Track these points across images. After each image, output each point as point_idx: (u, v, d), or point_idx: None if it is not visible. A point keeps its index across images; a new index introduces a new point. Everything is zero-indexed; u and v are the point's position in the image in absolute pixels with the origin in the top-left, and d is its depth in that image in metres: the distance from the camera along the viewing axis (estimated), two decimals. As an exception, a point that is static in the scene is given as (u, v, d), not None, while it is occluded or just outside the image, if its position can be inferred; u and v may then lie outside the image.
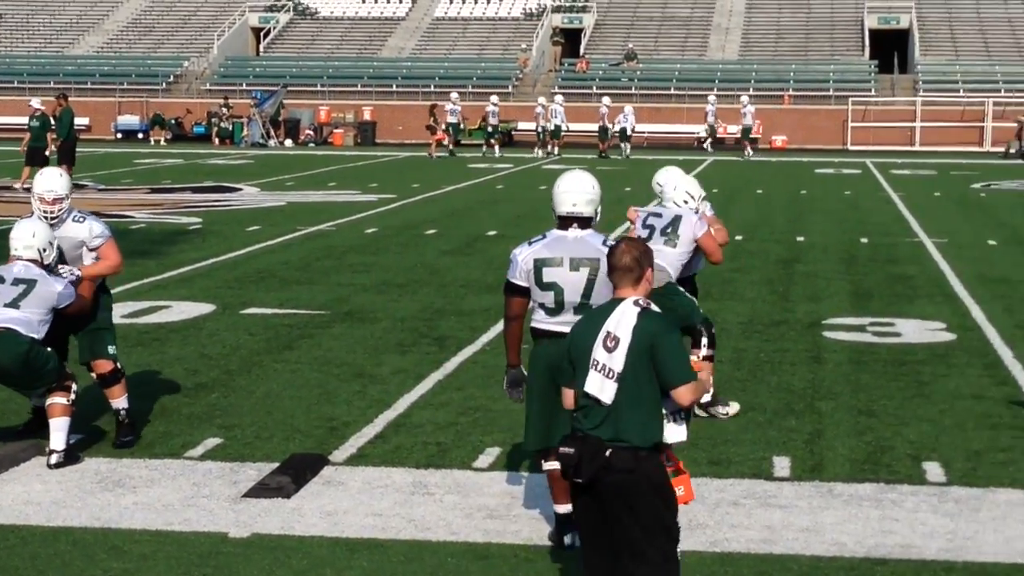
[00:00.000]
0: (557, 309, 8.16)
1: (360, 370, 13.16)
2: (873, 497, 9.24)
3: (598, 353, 6.45)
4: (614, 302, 6.61)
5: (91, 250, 10.57)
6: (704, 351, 11.44)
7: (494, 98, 54.29)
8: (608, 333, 6.45)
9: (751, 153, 51.23)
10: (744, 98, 53.70)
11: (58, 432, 9.92)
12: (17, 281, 10.06)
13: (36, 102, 35.54)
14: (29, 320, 9.92)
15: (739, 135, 53.30)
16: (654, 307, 6.56)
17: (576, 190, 8.27)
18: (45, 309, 10.02)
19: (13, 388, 10.27)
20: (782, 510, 8.95)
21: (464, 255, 21.87)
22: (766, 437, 10.74)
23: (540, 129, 52.64)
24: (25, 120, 36.84)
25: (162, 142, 58.93)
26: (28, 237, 10.21)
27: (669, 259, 11.41)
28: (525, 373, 8.41)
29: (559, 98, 53.66)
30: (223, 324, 15.57)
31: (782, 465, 9.96)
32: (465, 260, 21.24)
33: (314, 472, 9.71)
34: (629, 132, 52.22)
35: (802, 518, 8.80)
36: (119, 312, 16.08)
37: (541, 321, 8.25)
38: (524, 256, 8.27)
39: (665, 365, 6.39)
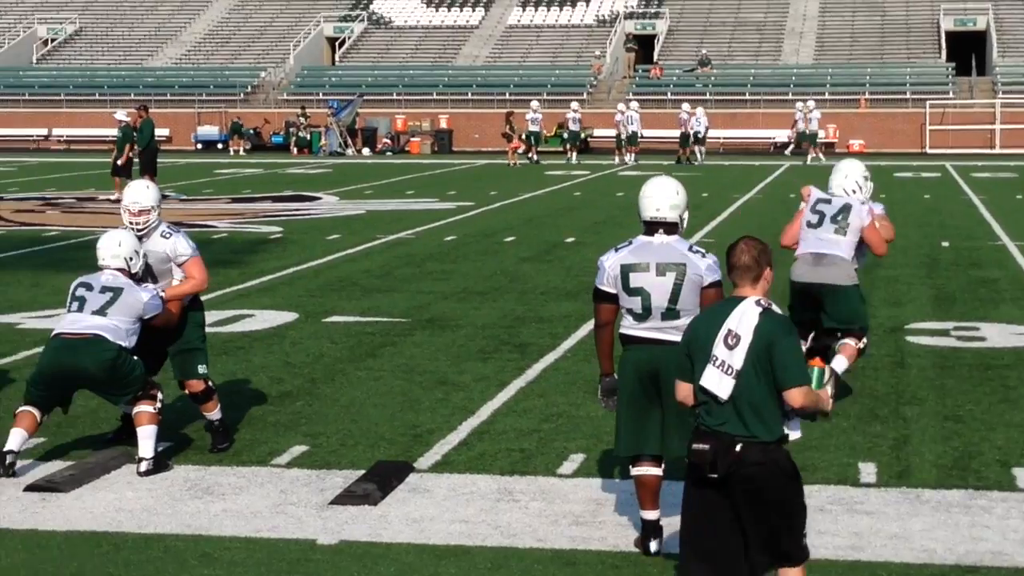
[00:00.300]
0: (645, 315, 8.18)
1: (443, 377, 13.22)
2: (962, 503, 9.18)
3: (718, 349, 6.59)
4: (734, 300, 6.72)
5: (178, 266, 10.68)
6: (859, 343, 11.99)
7: (574, 104, 54.20)
8: (729, 330, 6.58)
9: (820, 158, 50.80)
10: (810, 103, 53.32)
11: (146, 440, 10.03)
12: (104, 289, 10.19)
13: (121, 114, 35.93)
14: (116, 328, 10.04)
15: (802, 139, 52.91)
16: (775, 307, 6.67)
17: (660, 195, 8.30)
18: (132, 318, 10.13)
19: (100, 395, 10.39)
20: (869, 516, 8.92)
21: (543, 262, 21.90)
22: (851, 443, 10.69)
23: (623, 136, 52.19)
24: (108, 132, 37.40)
25: (241, 152, 59.36)
26: (114, 246, 10.34)
27: (842, 247, 11.64)
28: (618, 380, 8.42)
29: (634, 104, 53.53)
30: (306, 332, 15.68)
31: (868, 471, 9.92)
32: (544, 267, 21.28)
33: (400, 479, 9.77)
34: (702, 135, 52.05)
35: (890, 525, 8.76)
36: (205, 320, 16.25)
37: (629, 327, 8.27)
38: (611, 262, 8.30)
39: (781, 366, 6.52)
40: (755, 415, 6.54)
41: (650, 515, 8.27)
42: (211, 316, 16.37)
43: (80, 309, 10.16)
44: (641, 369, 8.14)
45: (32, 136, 64.72)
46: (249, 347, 14.80)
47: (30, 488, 9.55)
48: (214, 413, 10.75)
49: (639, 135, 52.26)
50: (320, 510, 9.12)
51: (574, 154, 52.43)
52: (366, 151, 59.39)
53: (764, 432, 6.54)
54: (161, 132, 60.44)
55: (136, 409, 10.13)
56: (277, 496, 9.44)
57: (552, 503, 9.27)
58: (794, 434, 6.67)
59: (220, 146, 61.81)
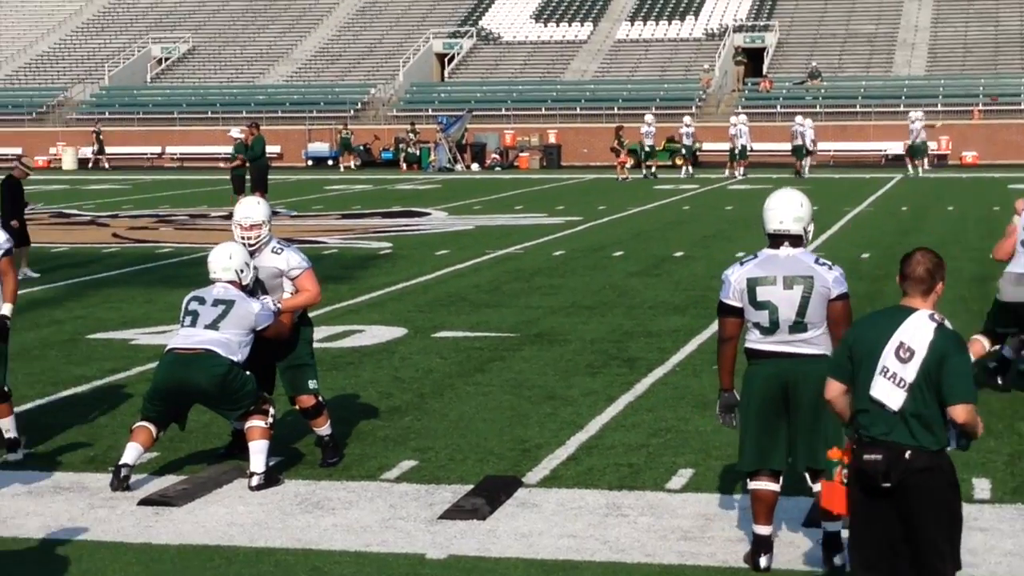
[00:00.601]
0: (772, 328, 8.13)
1: (551, 392, 13.23)
2: (1077, 519, 9.05)
3: (888, 360, 6.60)
4: (903, 311, 6.73)
5: (290, 280, 10.76)
6: None
7: (687, 119, 53.93)
8: (902, 343, 6.60)
9: (922, 169, 50.11)
10: (912, 114, 52.55)
11: (257, 455, 10.12)
12: (217, 302, 10.31)
13: (235, 131, 36.34)
14: (228, 342, 10.15)
15: (907, 152, 52.04)
16: (947, 323, 6.68)
17: (783, 208, 8.25)
18: (244, 330, 10.24)
19: (213, 410, 10.51)
20: (984, 533, 8.80)
21: (652, 276, 21.85)
22: (965, 458, 10.54)
23: (737, 149, 51.58)
24: (221, 149, 37.99)
25: (352, 167, 59.79)
26: (225, 259, 10.46)
27: None
28: (738, 397, 8.38)
29: (742, 117, 53.14)
30: (415, 348, 15.75)
31: (982, 487, 9.80)
32: (653, 281, 21.23)
33: (508, 494, 9.79)
34: (809, 147, 51.51)
35: (1005, 541, 8.65)
36: (315, 336, 16.38)
37: (756, 341, 8.22)
38: (736, 276, 8.25)
39: (949, 382, 6.53)
40: (923, 426, 6.57)
41: (763, 530, 8.23)
42: (321, 332, 16.54)
43: (193, 324, 10.28)
44: (770, 383, 8.10)
45: (146, 154, 65.64)
46: (359, 362, 14.90)
47: (144, 502, 9.67)
48: (324, 428, 10.83)
49: (748, 148, 51.84)
50: (429, 525, 9.15)
51: (688, 167, 52.14)
52: (475, 166, 59.60)
53: (931, 442, 6.57)
54: (272, 149, 61.03)
55: (248, 424, 10.22)
56: (386, 511, 9.48)
57: (661, 518, 9.24)
58: (952, 446, 6.71)
59: (330, 162, 62.29)
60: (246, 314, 10.24)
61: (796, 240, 8.23)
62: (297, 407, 10.91)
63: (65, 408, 12.72)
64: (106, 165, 63.08)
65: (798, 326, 8.08)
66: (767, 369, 8.13)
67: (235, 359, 10.11)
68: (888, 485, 6.57)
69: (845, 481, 6.80)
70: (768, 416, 8.14)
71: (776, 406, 8.14)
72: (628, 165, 50.53)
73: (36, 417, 12.11)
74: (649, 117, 53.38)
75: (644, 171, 51.11)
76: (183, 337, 10.26)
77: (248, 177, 34.77)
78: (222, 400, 10.15)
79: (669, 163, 55.50)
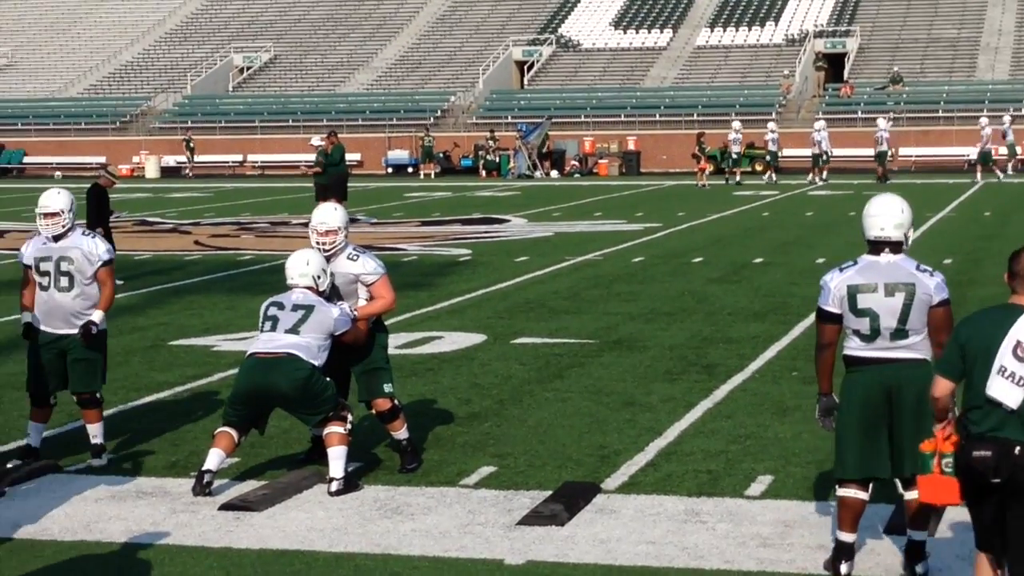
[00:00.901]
0: (873, 336, 8.07)
1: (630, 398, 13.21)
2: None
3: (1005, 359, 6.62)
4: (1016, 309, 6.75)
5: (365, 286, 10.81)
6: None
7: (772, 125, 53.48)
8: (1019, 342, 6.62)
9: (1001, 175, 49.58)
10: (983, 120, 51.89)
11: (336, 460, 10.18)
12: (296, 307, 10.38)
13: (316, 139, 36.54)
14: (309, 346, 10.22)
15: (976, 159, 51.29)
16: None
17: (885, 214, 8.18)
18: (323, 335, 10.30)
19: (292, 414, 10.57)
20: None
21: (731, 283, 21.78)
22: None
23: (823, 154, 51.10)
24: (301, 157, 38.26)
25: (432, 176, 59.97)
26: (302, 265, 10.53)
27: None
28: (836, 400, 8.32)
29: (821, 123, 52.67)
30: (494, 354, 15.78)
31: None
32: (732, 288, 21.15)
33: (587, 500, 9.78)
34: (828, 153, 50.90)
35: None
36: (394, 342, 16.46)
37: (856, 349, 8.15)
38: (836, 283, 8.18)
39: None
40: None
41: (847, 537, 8.18)
42: (401, 338, 16.63)
43: (273, 328, 10.35)
44: (872, 390, 8.04)
45: (228, 162, 66.17)
46: (438, 368, 14.94)
47: (225, 507, 9.75)
48: (401, 432, 10.87)
49: (828, 155, 51.36)
50: (507, 530, 9.16)
51: (772, 174, 51.78)
52: (554, 173, 59.62)
53: None
54: (352, 157, 61.45)
55: (327, 430, 10.28)
56: (465, 516, 9.51)
57: (740, 525, 9.21)
58: None
59: (410, 170, 62.52)
60: (325, 319, 10.30)
61: (896, 246, 8.17)
62: (373, 411, 10.94)
63: (147, 414, 12.84)
64: (189, 174, 63.65)
65: (899, 333, 8.01)
66: (869, 376, 8.06)
67: (316, 363, 10.17)
68: (998, 481, 6.59)
69: (948, 470, 6.79)
70: (870, 424, 8.07)
71: (878, 413, 8.07)
72: (708, 171, 50.32)
73: (119, 423, 12.22)
74: (737, 124, 53.07)
75: (727, 178, 50.84)
76: (264, 341, 10.34)
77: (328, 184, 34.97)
78: (303, 404, 10.21)
79: (749, 169, 55.25)
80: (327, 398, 10.24)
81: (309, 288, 10.47)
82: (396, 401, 10.93)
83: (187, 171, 64.00)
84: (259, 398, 10.23)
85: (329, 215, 10.82)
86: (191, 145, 64.09)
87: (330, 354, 10.38)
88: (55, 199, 11.06)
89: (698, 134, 52.35)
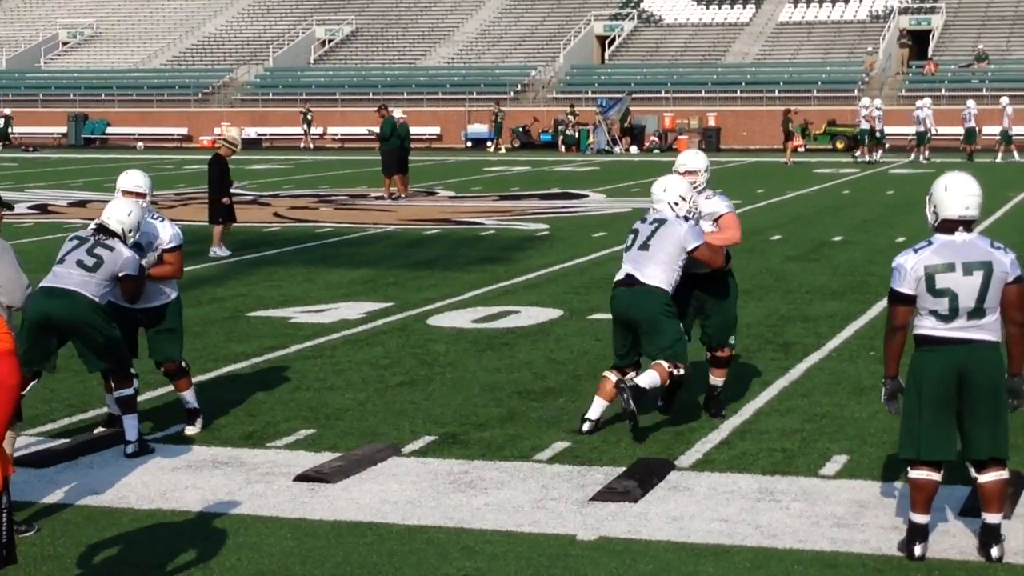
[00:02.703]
0: (951, 315, 8.01)
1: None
2: None
3: None
4: None
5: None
6: None
7: (877, 102, 51.98)
8: None
9: (1009, 156, 48.97)
10: (1004, 99, 51.20)
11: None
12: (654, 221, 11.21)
13: (397, 113, 36.72)
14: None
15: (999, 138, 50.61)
16: None
17: (968, 192, 8.10)
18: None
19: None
20: None
21: (809, 261, 21.65)
22: None
23: (927, 132, 50.37)
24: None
25: (503, 151, 59.88)
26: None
27: None
28: (902, 384, 8.26)
29: (926, 100, 51.60)
30: (570, 329, 15.77)
31: None
32: (811, 266, 21.03)
33: (660, 477, 9.77)
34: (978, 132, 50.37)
35: None
36: (471, 316, 16.52)
37: (931, 328, 8.08)
38: (913, 264, 8.10)
39: None
40: None
41: (920, 519, 8.12)
42: (477, 312, 16.71)
43: (643, 247, 10.34)
44: (946, 371, 7.98)
45: (311, 134, 66.38)
46: (514, 343, 14.95)
47: (299, 478, 9.81)
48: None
49: (932, 133, 50.42)
50: (580, 506, 9.17)
51: (878, 152, 50.23)
52: (634, 149, 59.46)
53: None
54: (431, 130, 61.63)
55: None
56: (538, 491, 9.52)
57: (814, 504, 9.16)
58: None
59: (489, 144, 62.55)
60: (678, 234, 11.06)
61: (968, 225, 8.11)
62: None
63: (225, 384, 12.93)
64: (311, 145, 63.82)
65: (977, 312, 7.97)
66: (942, 357, 8.00)
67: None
68: None
69: None
70: (942, 405, 8.01)
71: (950, 394, 8.01)
72: (801, 148, 49.57)
73: (197, 393, 12.31)
74: (876, 101, 51.38)
75: (866, 156, 49.66)
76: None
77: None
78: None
79: (829, 147, 54.80)
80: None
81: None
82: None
83: (305, 143, 64.13)
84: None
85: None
86: (309, 117, 64.17)
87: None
88: (140, 178, 11.13)
89: (785, 111, 51.85)
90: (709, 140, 59.97)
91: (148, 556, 8.28)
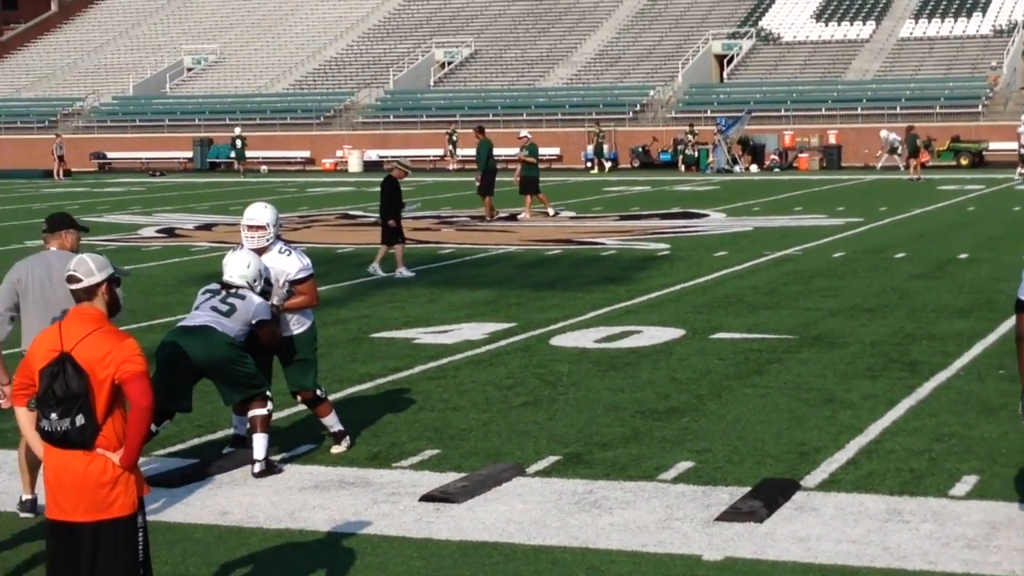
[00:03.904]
0: None
1: (830, 395, 13.07)
2: None
3: None
4: None
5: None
6: None
7: None
8: None
9: None
10: None
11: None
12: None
13: (524, 132, 36.88)
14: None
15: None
16: None
17: None
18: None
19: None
20: None
21: (934, 279, 21.41)
22: None
23: None
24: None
25: (605, 171, 59.78)
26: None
27: None
28: None
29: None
30: (693, 348, 15.72)
31: None
32: (936, 284, 20.79)
33: (786, 497, 9.71)
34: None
35: None
36: (593, 336, 16.52)
37: None
38: None
39: None
40: None
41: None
42: (599, 332, 16.71)
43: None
44: None
45: (429, 156, 66.79)
46: (636, 363, 14.93)
47: (425, 498, 9.87)
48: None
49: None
50: (706, 526, 9.13)
51: None
52: (753, 167, 59.17)
53: None
54: (551, 151, 61.70)
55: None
56: (663, 511, 9.50)
57: (944, 525, 9.06)
58: None
59: (609, 164, 62.52)
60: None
61: None
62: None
63: (350, 405, 13.03)
64: (452, 166, 64.21)
65: None
66: None
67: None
68: None
69: None
70: None
71: None
72: (927, 163, 48.93)
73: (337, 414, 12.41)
74: None
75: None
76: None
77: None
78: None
79: (953, 163, 54.15)
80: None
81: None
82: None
83: (452, 164, 64.49)
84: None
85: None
86: (455, 138, 64.44)
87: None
88: (262, 213, 11.25)
89: (908, 127, 51.31)
90: (830, 158, 59.53)
91: (277, 575, 8.37)
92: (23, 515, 9.72)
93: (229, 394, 10.77)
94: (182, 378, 10.56)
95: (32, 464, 9.64)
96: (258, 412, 10.72)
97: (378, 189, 24.26)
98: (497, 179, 35.81)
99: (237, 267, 10.87)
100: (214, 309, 10.71)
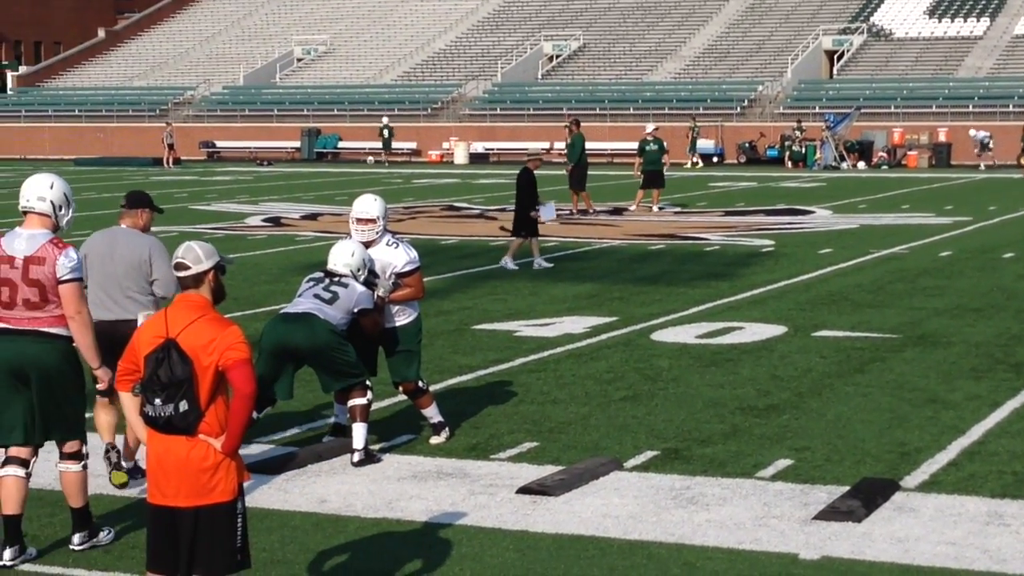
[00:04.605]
0: None
1: (933, 395, 12.95)
2: None
3: None
4: None
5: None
6: None
7: None
8: None
9: None
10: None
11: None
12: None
13: (651, 127, 36.87)
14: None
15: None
16: None
17: None
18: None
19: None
20: None
21: (1044, 280, 21.15)
22: None
23: None
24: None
25: (698, 165, 59.34)
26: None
27: None
28: None
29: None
30: (795, 346, 15.64)
31: None
32: (1045, 285, 20.54)
33: (885, 497, 9.64)
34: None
35: None
36: (695, 331, 16.49)
37: None
38: None
39: None
40: None
41: None
42: (701, 327, 16.68)
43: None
44: None
45: (537, 149, 66.61)
46: (738, 359, 14.88)
47: (522, 490, 9.90)
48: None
49: None
50: (803, 525, 9.10)
51: None
52: (861, 165, 58.66)
53: None
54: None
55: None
56: (760, 509, 9.47)
57: (1045, 529, 8.97)
58: None
59: (715, 159, 62.20)
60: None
61: None
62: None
63: (450, 396, 13.09)
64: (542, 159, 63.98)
65: None
66: None
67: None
68: None
69: None
70: None
71: None
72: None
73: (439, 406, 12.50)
74: None
75: None
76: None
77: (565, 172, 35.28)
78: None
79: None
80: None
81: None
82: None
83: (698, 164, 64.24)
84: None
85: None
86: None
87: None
88: (372, 206, 11.34)
89: (1024, 127, 50.89)
90: (939, 155, 58.89)
91: (374, 564, 8.45)
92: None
93: (328, 382, 10.89)
94: (284, 365, 10.69)
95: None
96: (357, 401, 10.81)
97: (485, 182, 24.34)
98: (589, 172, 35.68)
99: (342, 256, 10.99)
100: (317, 297, 10.83)
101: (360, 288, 10.90)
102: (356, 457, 10.71)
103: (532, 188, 23.68)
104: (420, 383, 11.46)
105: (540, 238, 24.19)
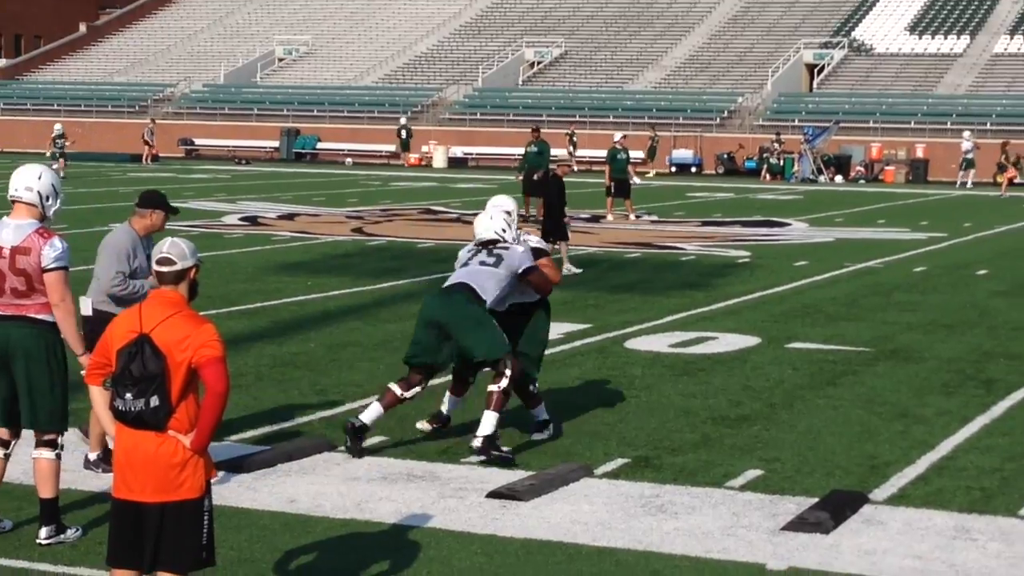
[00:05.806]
0: None
1: (903, 410, 13.00)
2: None
3: None
4: None
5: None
6: None
7: None
8: None
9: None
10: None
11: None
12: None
13: (619, 135, 36.87)
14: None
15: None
16: None
17: None
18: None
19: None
20: None
21: (1017, 297, 21.21)
22: None
23: None
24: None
25: (650, 175, 59.46)
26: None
27: None
28: None
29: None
30: (768, 357, 15.67)
31: None
32: (1018, 302, 20.59)
33: (854, 509, 9.67)
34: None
35: None
36: (668, 340, 16.51)
37: None
38: None
39: None
40: None
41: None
42: (675, 336, 16.68)
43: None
44: None
45: (514, 155, 66.67)
46: (711, 369, 14.91)
47: (492, 495, 9.90)
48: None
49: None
50: (771, 535, 9.11)
51: None
52: (838, 178, 58.81)
53: None
54: (635, 154, 61.45)
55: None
56: (729, 518, 9.48)
57: (1012, 545, 8.99)
58: None
59: (693, 170, 62.27)
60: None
61: None
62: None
63: (423, 400, 13.04)
64: (574, 168, 63.82)
65: None
66: None
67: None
68: None
69: None
70: None
71: None
72: (1015, 180, 48.74)
73: (397, 408, 12.49)
74: None
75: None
76: None
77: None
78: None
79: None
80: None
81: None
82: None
83: (573, 166, 63.93)
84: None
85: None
86: (575, 139, 62.55)
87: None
88: (506, 202, 11.80)
89: (1003, 143, 50.98)
90: (917, 171, 59.07)
91: (341, 564, 8.44)
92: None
93: (470, 349, 10.98)
94: (434, 335, 11.00)
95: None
96: (492, 387, 11.02)
97: (464, 186, 24.39)
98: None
99: (486, 224, 11.45)
100: (482, 263, 11.20)
101: (520, 248, 11.31)
102: (475, 442, 10.87)
103: (561, 193, 23.75)
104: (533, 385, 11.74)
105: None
